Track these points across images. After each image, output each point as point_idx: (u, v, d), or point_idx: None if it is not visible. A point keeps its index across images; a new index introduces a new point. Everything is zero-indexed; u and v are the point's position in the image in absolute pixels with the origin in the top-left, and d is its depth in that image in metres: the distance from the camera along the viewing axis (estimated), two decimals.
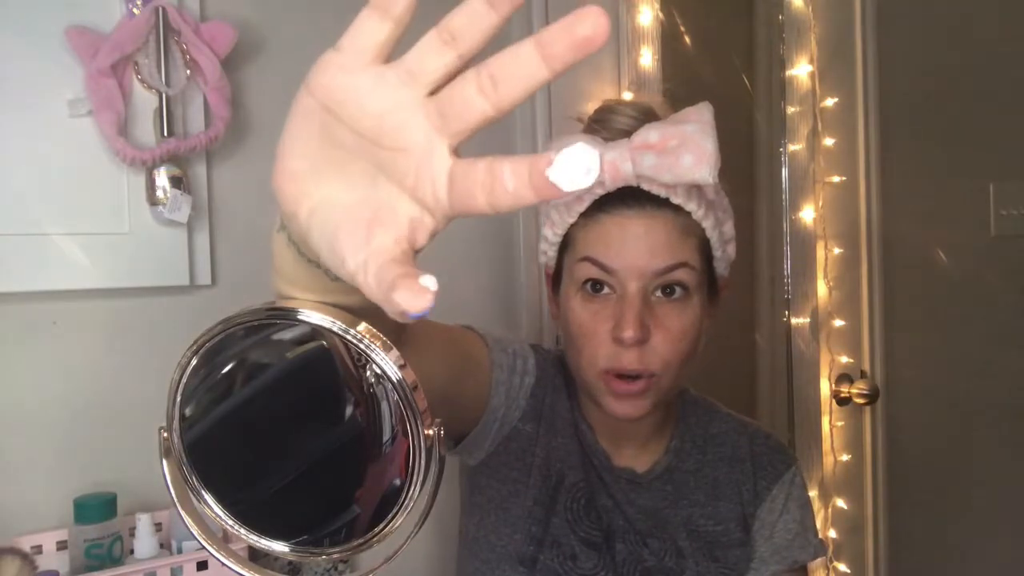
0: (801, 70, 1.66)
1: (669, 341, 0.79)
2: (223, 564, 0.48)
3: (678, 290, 0.79)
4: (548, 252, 0.87)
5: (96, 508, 0.90)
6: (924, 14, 1.78)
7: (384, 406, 0.43)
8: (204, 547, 0.48)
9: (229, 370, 0.45)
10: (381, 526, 0.44)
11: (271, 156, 0.37)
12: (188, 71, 0.98)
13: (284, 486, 0.46)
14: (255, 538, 0.46)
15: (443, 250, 1.22)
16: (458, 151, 0.34)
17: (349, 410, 0.45)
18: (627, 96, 1.35)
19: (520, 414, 0.86)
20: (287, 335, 0.44)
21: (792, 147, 1.67)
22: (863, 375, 1.70)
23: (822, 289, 1.67)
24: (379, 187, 0.35)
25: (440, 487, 0.44)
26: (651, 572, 0.85)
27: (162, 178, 0.96)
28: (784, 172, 1.68)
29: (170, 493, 0.47)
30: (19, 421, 0.94)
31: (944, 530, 1.82)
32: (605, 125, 0.82)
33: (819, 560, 1.49)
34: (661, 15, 1.40)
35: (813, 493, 1.63)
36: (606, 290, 0.80)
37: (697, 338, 0.82)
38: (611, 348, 0.79)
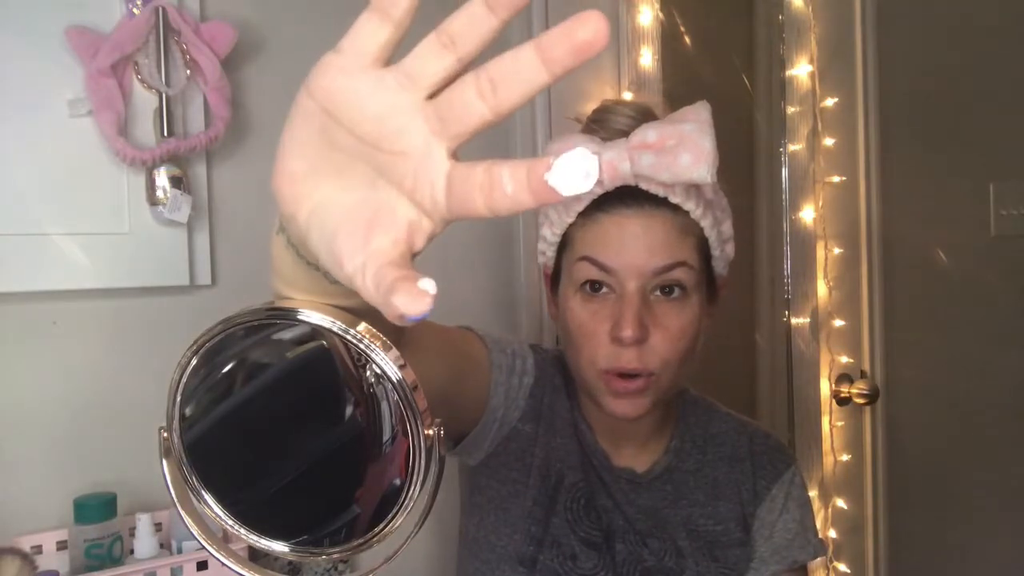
0: (801, 70, 1.66)
1: (668, 340, 0.79)
2: (223, 564, 0.48)
3: (676, 289, 0.80)
4: (547, 252, 0.87)
5: (96, 508, 0.90)
6: (924, 14, 1.78)
7: (384, 406, 0.43)
8: (204, 547, 0.48)
9: (229, 370, 0.45)
10: (381, 526, 0.44)
11: (271, 156, 0.37)
12: (188, 71, 0.98)
13: (284, 486, 0.46)
14: (255, 538, 0.46)
15: (443, 250, 1.23)
16: (457, 154, 0.34)
17: (349, 410, 0.45)
18: (627, 96, 1.35)
19: (519, 414, 0.86)
20: (287, 335, 0.44)
21: (792, 147, 1.67)
22: (863, 375, 1.70)
23: (822, 289, 1.67)
24: (378, 189, 0.35)
25: (440, 487, 0.44)
26: (651, 572, 0.85)
27: (162, 178, 0.96)
28: (784, 172, 1.68)
29: (170, 493, 0.47)
30: (19, 421, 0.94)
31: (944, 530, 1.82)
32: (603, 125, 0.82)
33: (819, 560, 1.49)
34: (661, 15, 1.40)
35: (813, 493, 1.63)
36: (605, 290, 0.80)
37: (696, 337, 0.82)
38: (610, 348, 0.79)
